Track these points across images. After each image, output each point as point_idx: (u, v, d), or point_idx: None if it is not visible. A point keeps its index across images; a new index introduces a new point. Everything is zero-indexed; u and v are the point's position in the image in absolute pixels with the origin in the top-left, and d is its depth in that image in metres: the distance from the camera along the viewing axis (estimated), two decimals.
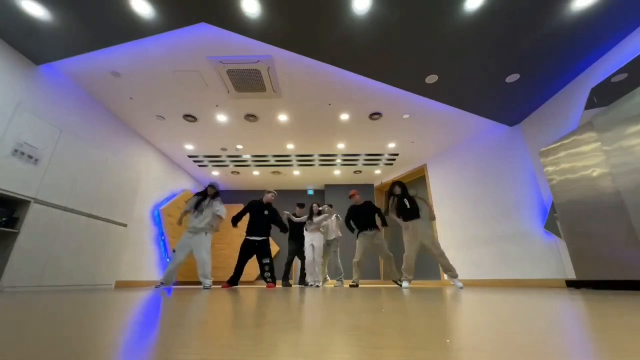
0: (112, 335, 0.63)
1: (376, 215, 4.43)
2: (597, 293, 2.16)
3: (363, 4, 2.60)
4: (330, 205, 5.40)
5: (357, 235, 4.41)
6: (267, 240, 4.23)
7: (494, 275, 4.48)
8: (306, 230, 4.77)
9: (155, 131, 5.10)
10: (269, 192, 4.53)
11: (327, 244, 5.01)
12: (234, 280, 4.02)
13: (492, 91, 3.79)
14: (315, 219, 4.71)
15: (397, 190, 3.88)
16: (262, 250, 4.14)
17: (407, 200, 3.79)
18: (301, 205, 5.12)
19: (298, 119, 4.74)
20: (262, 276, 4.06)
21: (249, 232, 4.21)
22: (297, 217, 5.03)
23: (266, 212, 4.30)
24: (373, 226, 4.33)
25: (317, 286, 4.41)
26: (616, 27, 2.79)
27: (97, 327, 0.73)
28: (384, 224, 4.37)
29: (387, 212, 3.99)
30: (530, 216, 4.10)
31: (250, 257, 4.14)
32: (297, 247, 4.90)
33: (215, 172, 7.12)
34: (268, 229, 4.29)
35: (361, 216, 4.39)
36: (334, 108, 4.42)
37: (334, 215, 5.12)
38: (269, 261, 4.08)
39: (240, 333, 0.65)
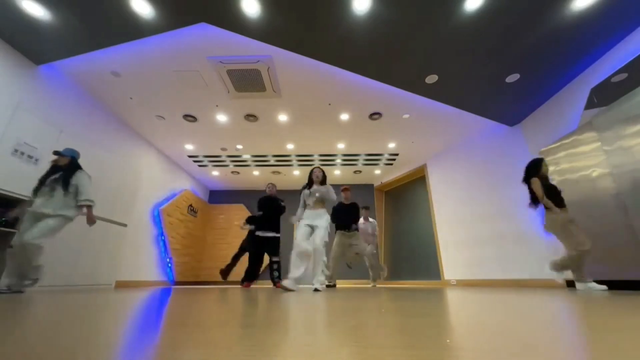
0: (113, 336, 0.63)
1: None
2: (597, 293, 2.16)
3: (363, 4, 2.60)
4: (367, 207, 5.27)
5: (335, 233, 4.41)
6: (279, 238, 4.17)
7: (494, 275, 4.48)
8: (307, 205, 3.36)
9: (155, 131, 5.10)
10: (270, 184, 4.48)
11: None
12: (252, 276, 4.04)
13: (492, 91, 3.79)
14: (316, 187, 3.32)
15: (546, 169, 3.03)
16: (272, 248, 4.08)
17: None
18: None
19: (298, 119, 4.73)
20: (270, 276, 4.04)
21: (260, 228, 4.15)
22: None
23: (277, 206, 4.24)
24: (351, 227, 4.33)
25: (317, 290, 2.88)
26: (616, 27, 2.79)
27: (98, 327, 0.73)
28: (357, 228, 4.40)
29: (542, 198, 2.89)
30: (530, 216, 4.10)
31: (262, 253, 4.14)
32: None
33: (215, 172, 7.12)
34: (279, 225, 4.22)
35: (344, 215, 4.37)
36: (334, 108, 4.42)
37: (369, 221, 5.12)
38: (278, 259, 4.06)
39: (240, 333, 0.65)
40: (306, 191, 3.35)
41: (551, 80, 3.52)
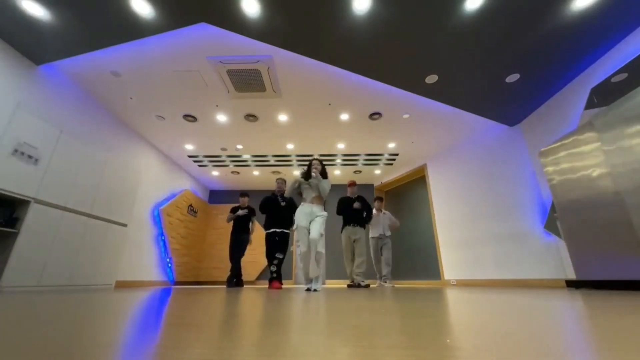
0: (114, 335, 0.63)
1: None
2: (597, 293, 2.16)
3: (363, 3, 2.60)
4: (380, 199, 5.21)
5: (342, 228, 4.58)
6: (288, 234, 4.08)
7: (494, 275, 4.48)
8: (303, 200, 3.29)
9: (156, 131, 5.10)
10: (279, 180, 4.40)
11: (379, 239, 4.90)
12: (279, 277, 3.87)
13: (492, 91, 3.79)
14: (314, 181, 3.21)
15: None
16: (281, 245, 3.97)
17: None
18: (244, 195, 4.97)
19: (298, 119, 4.74)
20: (270, 270, 3.87)
21: (269, 225, 4.07)
22: (241, 208, 4.86)
23: (283, 203, 4.15)
24: (358, 222, 4.48)
25: (316, 290, 2.94)
26: (616, 27, 2.79)
27: (98, 327, 0.73)
28: (367, 221, 4.56)
29: None
30: (530, 216, 4.10)
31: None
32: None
33: (215, 172, 7.12)
34: (290, 221, 4.10)
35: (353, 210, 4.49)
36: (334, 108, 4.42)
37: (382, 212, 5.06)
38: (282, 257, 3.93)
39: (241, 333, 0.65)
40: (303, 182, 3.25)
41: (551, 80, 3.52)
